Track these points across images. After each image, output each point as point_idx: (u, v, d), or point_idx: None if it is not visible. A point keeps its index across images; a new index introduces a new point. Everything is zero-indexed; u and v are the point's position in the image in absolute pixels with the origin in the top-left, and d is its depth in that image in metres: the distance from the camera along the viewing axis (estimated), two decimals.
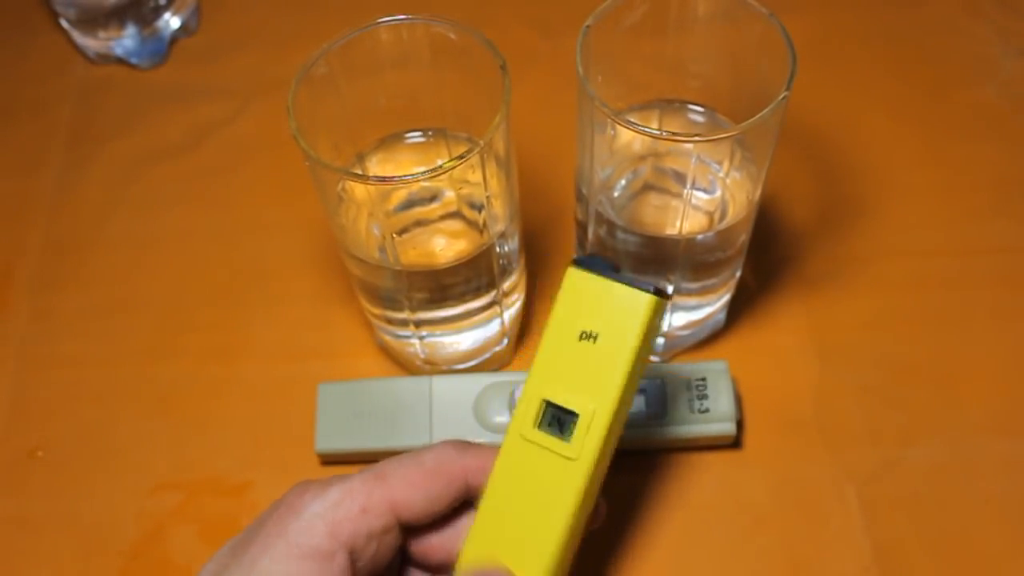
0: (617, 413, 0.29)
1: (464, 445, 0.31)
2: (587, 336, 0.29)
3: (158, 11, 0.57)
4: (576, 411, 0.29)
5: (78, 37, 0.57)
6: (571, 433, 0.29)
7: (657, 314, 0.29)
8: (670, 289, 0.31)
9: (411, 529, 0.30)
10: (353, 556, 0.28)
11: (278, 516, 0.28)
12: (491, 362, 0.45)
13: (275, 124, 0.53)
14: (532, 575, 0.29)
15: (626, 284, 0.29)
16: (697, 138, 0.36)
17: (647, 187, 0.41)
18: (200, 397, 0.45)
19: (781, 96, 0.33)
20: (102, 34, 0.56)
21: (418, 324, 0.41)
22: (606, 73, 0.37)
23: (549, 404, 0.29)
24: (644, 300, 0.29)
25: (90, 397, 0.46)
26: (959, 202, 0.49)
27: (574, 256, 0.30)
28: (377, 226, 0.38)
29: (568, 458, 0.29)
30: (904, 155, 0.51)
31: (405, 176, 0.32)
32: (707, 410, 0.41)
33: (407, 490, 0.29)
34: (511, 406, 0.41)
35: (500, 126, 0.33)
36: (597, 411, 0.29)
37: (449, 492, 0.30)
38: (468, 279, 0.39)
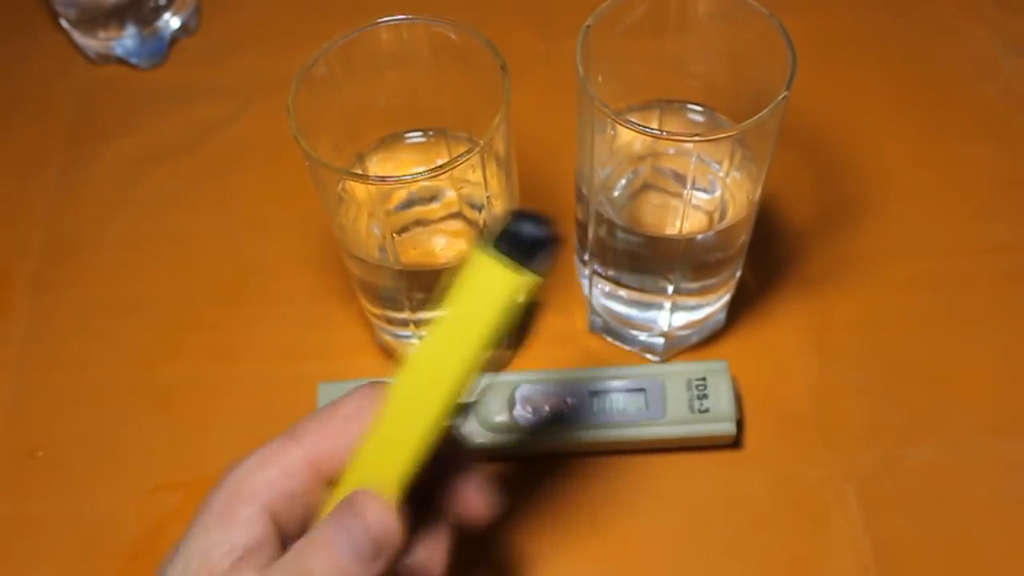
0: (434, 360, 0.29)
1: (379, 390, 0.30)
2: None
3: (158, 11, 0.57)
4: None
5: (78, 37, 0.57)
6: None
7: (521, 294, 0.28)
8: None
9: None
10: (276, 519, 0.28)
11: (208, 499, 0.29)
12: (491, 362, 0.44)
13: (275, 124, 0.53)
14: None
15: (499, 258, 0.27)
16: (697, 138, 0.36)
17: (647, 187, 0.41)
18: (200, 397, 0.45)
19: (781, 96, 0.33)
20: (102, 34, 0.56)
21: (418, 324, 0.41)
22: (606, 73, 0.37)
23: None
24: (511, 283, 0.27)
25: (90, 397, 0.46)
26: (959, 202, 0.49)
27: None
28: (377, 226, 0.38)
29: (386, 398, 0.29)
30: (904, 155, 0.51)
31: (405, 176, 0.32)
32: (707, 410, 0.41)
33: (324, 446, 0.29)
34: (511, 406, 0.41)
35: (500, 126, 0.33)
36: (414, 354, 0.29)
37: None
38: None
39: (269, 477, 0.28)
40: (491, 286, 0.27)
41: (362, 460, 0.29)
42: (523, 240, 0.27)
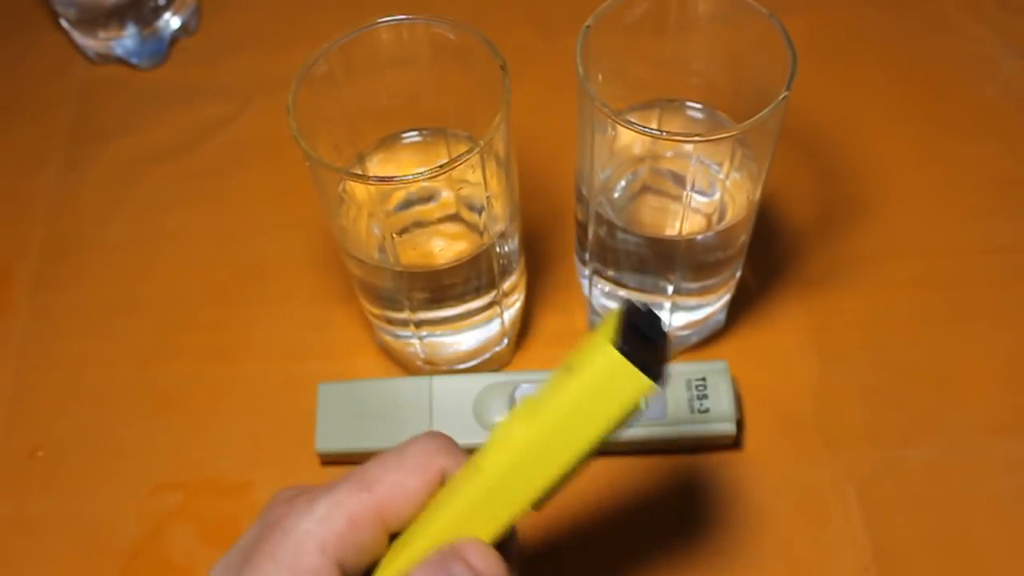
0: (541, 449, 0.27)
1: (445, 442, 0.30)
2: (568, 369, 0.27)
3: (158, 11, 0.57)
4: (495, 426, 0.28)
5: (78, 37, 0.57)
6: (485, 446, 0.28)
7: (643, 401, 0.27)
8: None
9: None
10: (343, 569, 0.27)
11: (266, 536, 0.27)
12: (491, 362, 0.45)
13: (275, 124, 0.53)
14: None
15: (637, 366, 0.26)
16: (697, 138, 0.36)
17: (647, 187, 0.41)
18: (200, 397, 0.45)
19: (781, 96, 0.33)
20: (102, 34, 0.56)
21: (418, 324, 0.41)
22: (606, 73, 0.37)
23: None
24: (638, 388, 0.26)
25: (90, 397, 0.46)
26: (959, 202, 0.49)
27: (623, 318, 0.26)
28: (377, 226, 0.38)
29: (477, 466, 0.28)
30: (904, 155, 0.51)
31: (405, 176, 0.32)
32: (707, 410, 0.41)
33: (393, 496, 0.28)
34: (511, 406, 0.41)
35: (500, 126, 0.33)
36: (518, 434, 0.27)
37: (430, 493, 0.29)
38: (468, 279, 0.39)
39: (338, 528, 0.27)
40: (620, 387, 0.26)
41: (438, 521, 0.28)
42: (648, 342, 0.26)
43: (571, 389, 0.26)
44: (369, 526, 0.27)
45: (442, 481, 0.29)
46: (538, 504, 0.28)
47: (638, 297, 0.42)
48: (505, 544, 0.29)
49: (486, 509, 0.28)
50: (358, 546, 0.27)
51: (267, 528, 0.28)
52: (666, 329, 0.26)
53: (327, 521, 0.27)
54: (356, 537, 0.27)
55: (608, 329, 0.26)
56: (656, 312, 0.27)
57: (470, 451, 0.29)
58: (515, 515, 0.28)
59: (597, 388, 0.26)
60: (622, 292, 0.42)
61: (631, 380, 0.26)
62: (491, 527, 0.28)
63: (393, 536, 0.29)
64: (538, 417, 0.27)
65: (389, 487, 0.28)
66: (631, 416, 0.26)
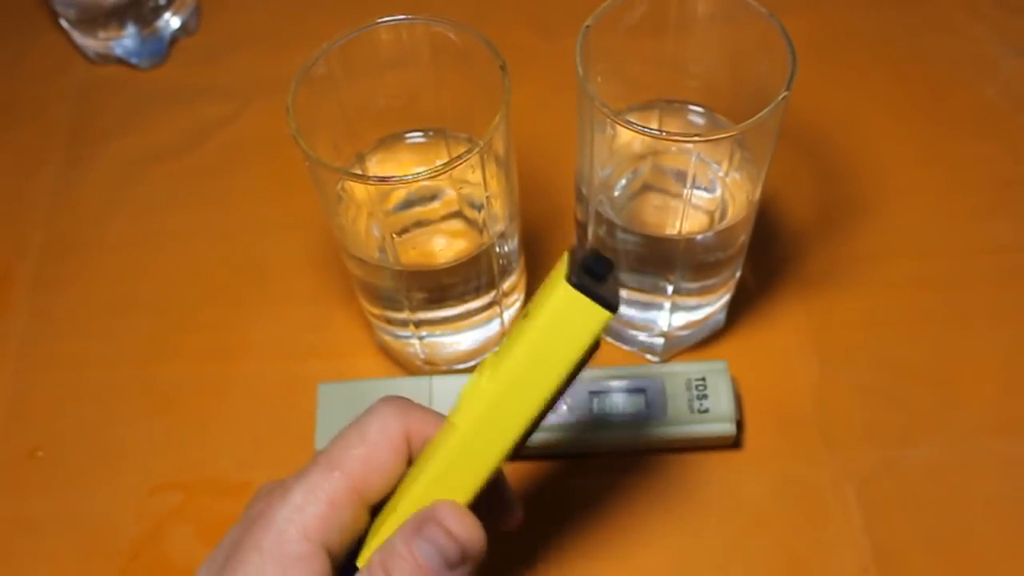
0: (510, 395, 0.28)
1: (401, 404, 0.30)
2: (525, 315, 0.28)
3: (158, 11, 0.57)
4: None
5: (78, 37, 0.57)
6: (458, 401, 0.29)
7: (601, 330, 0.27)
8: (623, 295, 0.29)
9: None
10: (329, 551, 0.28)
11: (249, 530, 0.28)
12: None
13: (275, 124, 0.53)
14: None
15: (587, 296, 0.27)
16: (697, 138, 0.36)
17: (647, 187, 0.41)
18: (200, 397, 0.45)
19: (781, 96, 0.33)
20: (102, 34, 0.56)
21: (418, 324, 0.41)
22: (606, 73, 0.37)
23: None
24: (596, 318, 0.27)
25: (90, 397, 0.46)
26: (959, 202, 0.49)
27: (573, 254, 0.27)
28: (377, 226, 0.38)
29: (452, 423, 0.29)
30: (904, 155, 0.51)
31: (405, 176, 0.32)
32: (707, 410, 0.41)
33: (364, 471, 0.28)
34: None
35: (500, 126, 0.33)
36: (485, 386, 0.28)
37: (398, 460, 0.29)
38: (468, 279, 0.39)
39: (319, 511, 0.27)
40: (579, 321, 0.27)
41: (418, 485, 0.28)
42: (599, 276, 0.27)
43: (532, 330, 0.27)
44: (347, 505, 0.28)
45: (407, 442, 0.29)
46: (515, 451, 0.28)
47: (638, 297, 0.42)
48: (497, 490, 0.30)
49: (463, 464, 0.28)
50: (340, 526, 0.28)
51: (249, 522, 0.28)
52: (612, 264, 0.27)
53: (305, 507, 0.27)
54: (336, 517, 0.28)
55: (559, 271, 0.27)
56: (601, 252, 0.27)
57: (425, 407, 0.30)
58: (493, 465, 0.28)
59: (556, 325, 0.27)
60: (622, 292, 0.42)
61: (588, 311, 0.26)
62: (471, 481, 0.28)
63: (375, 509, 0.29)
64: (503, 364, 0.27)
65: (358, 463, 0.28)
66: (592, 349, 0.27)
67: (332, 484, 0.28)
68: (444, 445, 0.28)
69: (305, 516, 0.27)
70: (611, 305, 0.27)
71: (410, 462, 0.30)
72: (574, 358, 0.27)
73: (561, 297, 0.26)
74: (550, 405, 0.28)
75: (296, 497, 0.28)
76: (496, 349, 0.29)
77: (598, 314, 0.26)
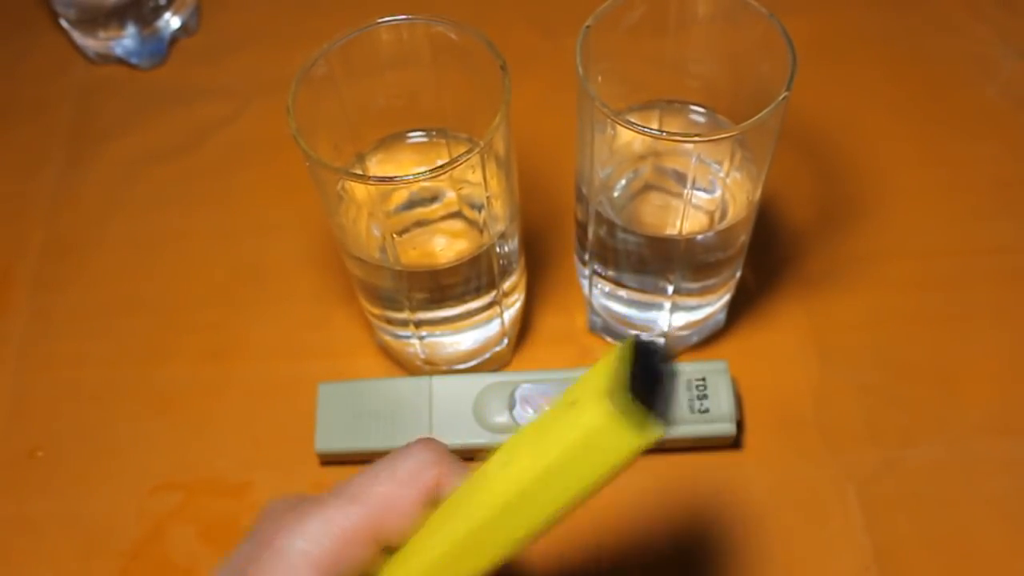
0: (534, 494, 0.25)
1: (438, 451, 0.28)
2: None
3: (158, 11, 0.57)
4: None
5: (78, 37, 0.57)
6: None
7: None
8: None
9: None
10: None
11: (258, 557, 0.26)
12: (491, 362, 0.45)
13: (275, 124, 0.53)
14: None
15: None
16: (697, 138, 0.36)
17: (647, 187, 0.41)
18: (200, 397, 0.45)
19: (781, 96, 0.33)
20: (102, 34, 0.56)
21: (418, 324, 0.41)
22: (606, 73, 0.37)
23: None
24: (635, 444, 0.23)
25: (90, 397, 0.46)
26: (959, 202, 0.49)
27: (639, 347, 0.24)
28: (377, 226, 0.38)
29: (474, 495, 0.27)
30: (904, 155, 0.51)
31: (405, 176, 0.32)
32: (707, 410, 0.41)
33: (385, 510, 0.27)
34: (511, 406, 0.41)
35: (500, 126, 0.33)
36: (513, 474, 0.26)
37: (423, 504, 0.27)
38: (468, 279, 0.39)
39: (333, 546, 0.26)
40: (617, 441, 0.23)
41: (432, 551, 0.27)
42: (653, 386, 0.23)
43: (561, 444, 0.24)
44: (362, 541, 0.27)
45: (437, 492, 0.28)
46: (519, 551, 0.26)
47: (638, 297, 0.42)
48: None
49: (478, 546, 0.26)
50: (352, 561, 0.27)
51: (259, 548, 0.27)
52: (673, 368, 0.24)
53: (319, 539, 0.26)
54: (349, 553, 0.26)
55: (610, 369, 0.24)
56: (663, 349, 0.24)
57: (464, 456, 0.29)
58: (507, 552, 0.26)
59: (588, 444, 0.24)
60: (622, 292, 0.42)
61: (628, 434, 0.23)
62: (485, 560, 0.26)
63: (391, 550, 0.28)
64: (533, 459, 0.25)
65: (381, 500, 0.27)
66: (624, 467, 0.24)
67: (349, 518, 0.27)
68: (462, 518, 0.27)
69: (317, 549, 0.26)
70: (661, 422, 0.23)
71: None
72: (603, 477, 0.24)
73: (597, 417, 0.23)
74: (562, 516, 0.25)
75: (311, 527, 0.26)
76: (536, 417, 0.27)
77: (641, 437, 0.23)
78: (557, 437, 0.24)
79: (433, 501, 0.28)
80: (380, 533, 0.27)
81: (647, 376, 0.23)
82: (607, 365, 0.24)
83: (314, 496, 0.27)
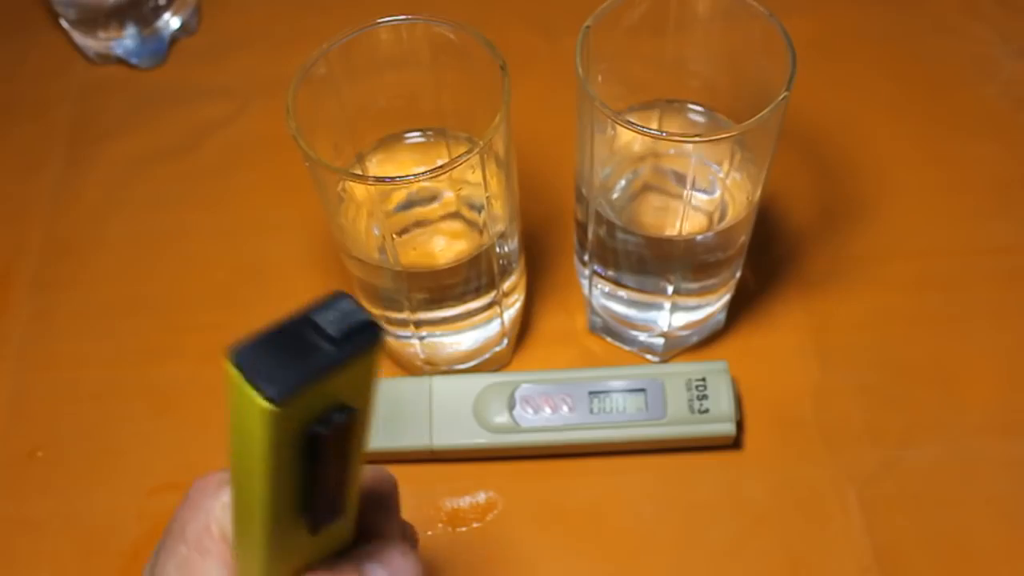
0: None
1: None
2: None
3: (158, 11, 0.57)
4: None
5: (78, 37, 0.57)
6: None
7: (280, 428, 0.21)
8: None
9: None
10: None
11: (180, 517, 0.29)
12: (491, 362, 0.45)
13: (275, 124, 0.53)
14: None
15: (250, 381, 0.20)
16: (697, 138, 0.36)
17: (647, 187, 0.41)
18: (200, 397, 0.45)
19: (781, 96, 0.33)
20: (102, 34, 0.56)
21: (418, 324, 0.41)
22: (606, 73, 0.37)
23: None
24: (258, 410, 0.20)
25: (90, 397, 0.46)
26: (959, 202, 0.49)
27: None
28: (377, 226, 0.38)
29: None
30: (904, 155, 0.51)
31: (404, 176, 0.32)
32: (707, 410, 0.41)
33: None
34: (511, 406, 0.41)
35: (500, 126, 0.33)
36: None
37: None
38: (468, 279, 0.39)
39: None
40: (246, 410, 0.21)
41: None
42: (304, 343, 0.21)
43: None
44: None
45: None
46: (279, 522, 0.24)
47: (638, 297, 0.42)
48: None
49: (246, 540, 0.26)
50: None
51: (182, 510, 0.29)
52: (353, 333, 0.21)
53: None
54: None
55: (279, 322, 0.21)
56: (363, 312, 0.21)
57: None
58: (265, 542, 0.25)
59: (234, 414, 0.22)
60: (622, 292, 0.42)
61: (250, 398, 0.21)
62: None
63: None
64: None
65: None
66: (274, 437, 0.21)
67: None
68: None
69: (228, 514, 0.27)
70: (283, 390, 0.20)
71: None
72: (260, 455, 0.22)
73: (228, 378, 0.21)
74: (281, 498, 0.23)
75: (226, 495, 0.28)
76: None
77: (258, 404, 0.20)
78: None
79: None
80: None
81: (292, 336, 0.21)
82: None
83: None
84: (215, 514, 0.28)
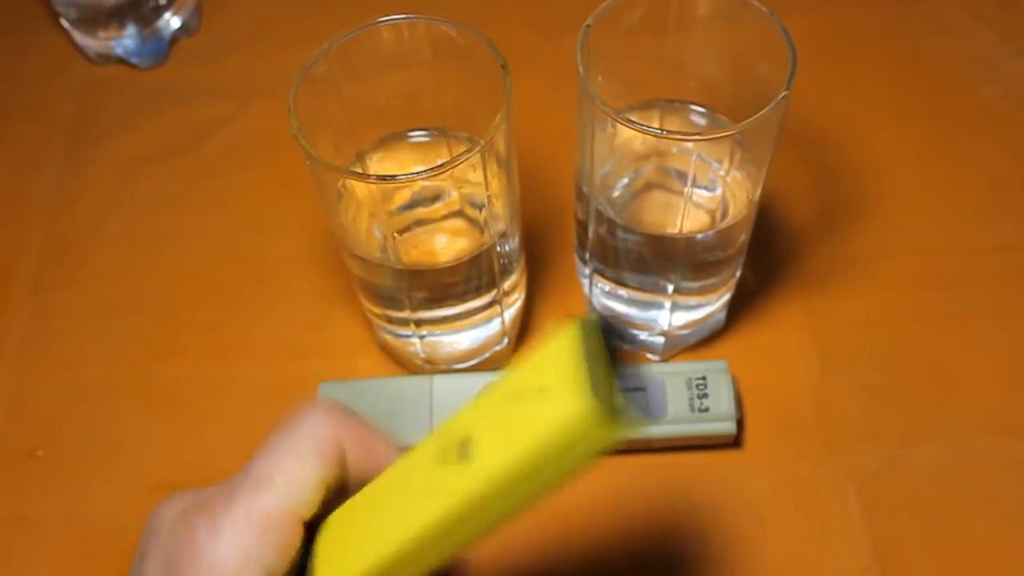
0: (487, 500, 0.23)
1: (331, 411, 0.27)
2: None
3: (158, 11, 0.57)
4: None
5: (78, 37, 0.57)
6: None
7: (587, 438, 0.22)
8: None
9: None
10: (268, 571, 0.25)
11: (179, 569, 0.26)
12: (491, 361, 0.45)
13: (275, 124, 0.53)
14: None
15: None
16: (697, 137, 0.36)
17: (647, 186, 0.41)
18: (200, 397, 0.45)
19: (781, 95, 0.33)
20: (102, 34, 0.56)
21: (418, 323, 0.41)
22: (606, 73, 0.37)
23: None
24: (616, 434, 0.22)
25: (90, 397, 0.46)
26: (959, 202, 0.49)
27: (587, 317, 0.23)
28: (378, 226, 0.38)
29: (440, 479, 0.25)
30: (904, 155, 0.51)
31: (405, 175, 0.32)
32: (707, 409, 0.41)
33: (297, 491, 0.26)
34: None
35: (501, 125, 0.33)
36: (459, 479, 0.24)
37: (335, 474, 0.26)
38: (469, 278, 0.39)
39: (255, 540, 0.25)
40: (592, 440, 0.22)
41: (374, 546, 0.25)
42: (618, 372, 0.22)
43: (537, 432, 0.22)
44: (282, 530, 0.26)
45: (342, 455, 0.27)
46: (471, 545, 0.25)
47: (638, 296, 0.42)
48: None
49: (433, 543, 0.25)
50: (276, 547, 0.25)
51: (176, 562, 0.26)
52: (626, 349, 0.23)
53: (241, 542, 0.25)
54: (272, 540, 0.25)
55: (576, 352, 0.22)
56: (618, 329, 0.23)
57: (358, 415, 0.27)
58: (462, 549, 0.25)
59: (567, 438, 0.22)
60: (622, 291, 0.42)
61: (607, 431, 0.22)
62: (438, 556, 0.25)
63: (313, 522, 0.27)
64: (500, 453, 0.23)
65: (290, 483, 0.26)
66: (597, 461, 0.23)
67: (263, 508, 0.25)
68: (402, 524, 0.25)
69: (241, 552, 0.25)
70: (639, 415, 0.22)
71: (343, 467, 0.27)
72: (575, 473, 0.23)
73: (576, 411, 0.21)
74: (536, 504, 0.24)
75: (226, 531, 0.25)
76: (479, 403, 0.24)
77: (621, 431, 0.22)
78: (527, 429, 0.22)
79: (339, 461, 0.27)
80: (294, 512, 0.26)
81: (611, 361, 0.22)
82: (570, 346, 0.22)
83: (214, 492, 0.26)
84: (222, 553, 0.25)
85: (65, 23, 0.57)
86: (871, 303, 0.46)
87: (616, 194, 0.40)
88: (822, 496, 0.41)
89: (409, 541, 0.25)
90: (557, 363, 0.22)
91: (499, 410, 0.24)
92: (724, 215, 0.39)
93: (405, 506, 0.25)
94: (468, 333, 0.42)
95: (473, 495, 0.23)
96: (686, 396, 0.41)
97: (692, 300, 0.42)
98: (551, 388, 0.22)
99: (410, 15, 0.36)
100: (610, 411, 0.22)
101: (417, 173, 0.32)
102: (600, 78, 0.36)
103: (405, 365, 0.45)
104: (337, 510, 0.27)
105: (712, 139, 0.35)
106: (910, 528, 0.40)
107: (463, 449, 0.24)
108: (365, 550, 0.26)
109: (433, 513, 0.24)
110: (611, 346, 0.22)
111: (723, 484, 0.41)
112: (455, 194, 0.40)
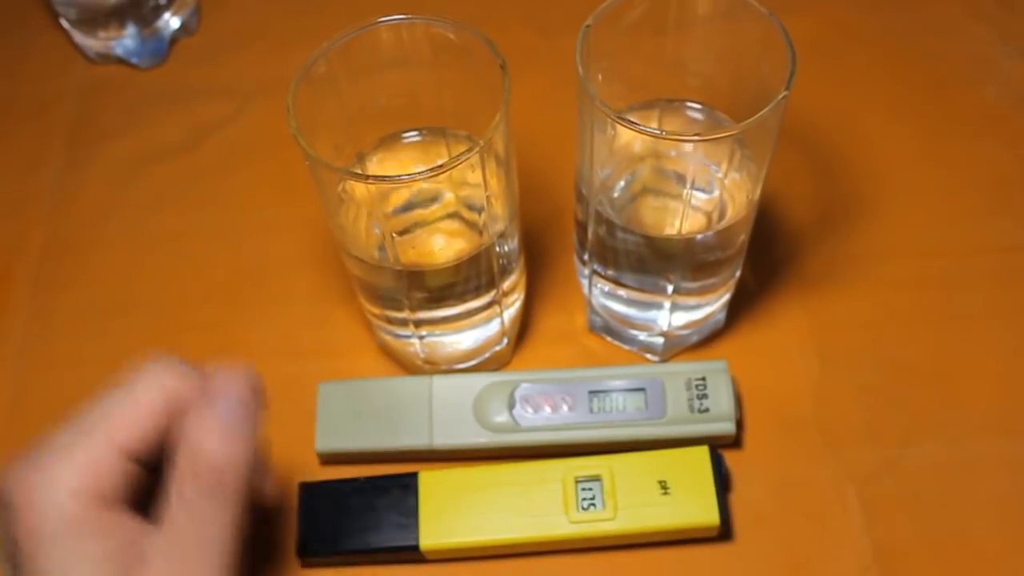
0: None
1: (169, 368, 0.32)
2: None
3: (158, 11, 0.57)
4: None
5: (78, 37, 0.57)
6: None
7: None
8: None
9: None
10: (110, 505, 0.28)
11: (25, 526, 0.28)
12: (491, 362, 0.45)
13: (275, 124, 0.53)
14: None
15: None
16: (697, 137, 0.36)
17: (647, 187, 0.41)
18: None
19: (781, 96, 0.33)
20: (102, 34, 0.56)
21: (418, 324, 0.41)
22: (606, 73, 0.37)
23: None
24: None
25: (90, 397, 0.45)
26: (959, 202, 0.49)
27: None
28: (377, 226, 0.38)
29: None
30: (904, 155, 0.51)
31: (405, 176, 0.32)
32: (707, 410, 0.41)
33: (129, 432, 0.30)
34: (511, 406, 0.41)
35: (500, 125, 0.33)
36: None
37: (165, 418, 0.31)
38: (468, 279, 0.39)
39: (87, 487, 0.28)
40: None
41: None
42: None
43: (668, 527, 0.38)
44: (114, 471, 0.29)
45: (177, 403, 0.31)
46: None
47: (638, 297, 0.42)
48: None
49: None
50: (113, 485, 0.29)
51: (20, 517, 0.28)
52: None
53: (77, 493, 0.28)
54: (109, 481, 0.29)
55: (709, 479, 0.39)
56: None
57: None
58: None
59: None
60: (622, 292, 0.42)
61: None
62: None
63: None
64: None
65: (121, 423, 0.31)
66: None
67: (94, 454, 0.29)
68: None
69: (77, 501, 0.28)
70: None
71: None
72: None
73: (707, 524, 0.38)
74: None
75: (62, 479, 0.28)
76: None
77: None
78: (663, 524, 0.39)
79: (173, 413, 0.31)
80: (129, 452, 0.30)
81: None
82: (704, 469, 0.39)
83: (51, 445, 0.30)
84: (56, 501, 0.28)
85: (65, 23, 0.57)
86: (871, 303, 0.46)
87: (616, 195, 0.40)
88: (822, 496, 0.41)
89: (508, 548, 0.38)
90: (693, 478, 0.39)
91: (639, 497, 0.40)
92: (723, 215, 0.39)
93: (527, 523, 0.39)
94: (468, 333, 0.42)
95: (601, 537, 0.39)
96: (686, 396, 0.41)
97: (692, 300, 0.42)
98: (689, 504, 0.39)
99: (410, 15, 0.36)
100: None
101: (416, 174, 0.32)
102: (600, 78, 0.36)
103: (405, 365, 0.45)
104: (459, 470, 0.40)
105: (712, 140, 0.35)
106: (910, 528, 0.40)
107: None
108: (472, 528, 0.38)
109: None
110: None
111: None
112: (453, 195, 0.40)
